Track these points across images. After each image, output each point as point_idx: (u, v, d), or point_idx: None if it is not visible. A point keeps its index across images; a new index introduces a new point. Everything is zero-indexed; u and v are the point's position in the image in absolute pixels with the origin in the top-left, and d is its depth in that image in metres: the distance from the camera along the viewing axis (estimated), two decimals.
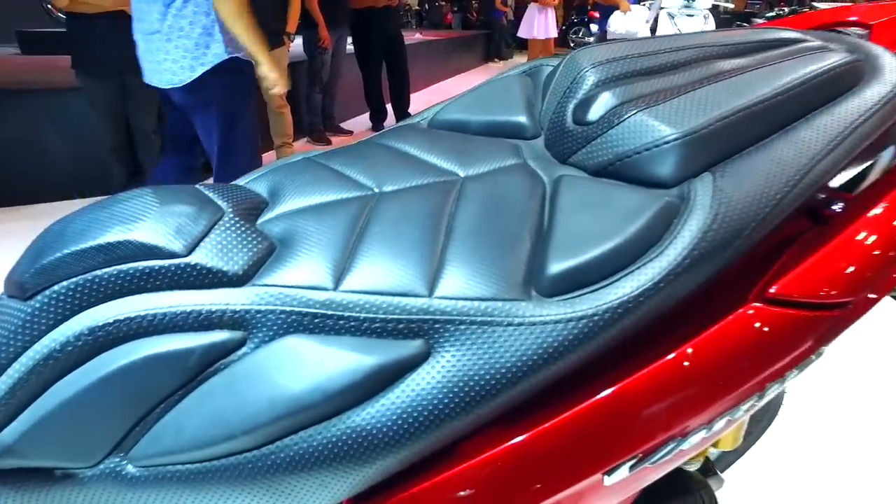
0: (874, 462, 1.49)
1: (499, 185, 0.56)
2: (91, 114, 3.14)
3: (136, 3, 1.83)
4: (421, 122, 0.72)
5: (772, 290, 0.51)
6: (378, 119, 5.15)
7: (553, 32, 6.52)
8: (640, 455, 0.50)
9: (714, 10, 6.43)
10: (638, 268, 0.46)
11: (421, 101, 6.47)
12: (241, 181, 0.60)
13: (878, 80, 0.58)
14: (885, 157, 0.68)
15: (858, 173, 0.67)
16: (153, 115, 3.25)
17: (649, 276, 0.45)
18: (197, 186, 0.55)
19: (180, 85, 1.82)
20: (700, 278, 0.47)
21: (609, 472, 0.50)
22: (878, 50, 0.62)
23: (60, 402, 0.43)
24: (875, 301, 0.57)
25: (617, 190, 0.52)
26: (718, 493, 0.95)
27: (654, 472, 0.55)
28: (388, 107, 5.19)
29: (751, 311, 0.50)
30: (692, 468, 0.94)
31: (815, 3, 6.93)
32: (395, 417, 0.43)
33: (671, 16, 5.67)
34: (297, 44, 4.67)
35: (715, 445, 0.97)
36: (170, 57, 1.79)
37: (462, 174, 0.59)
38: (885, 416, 1.66)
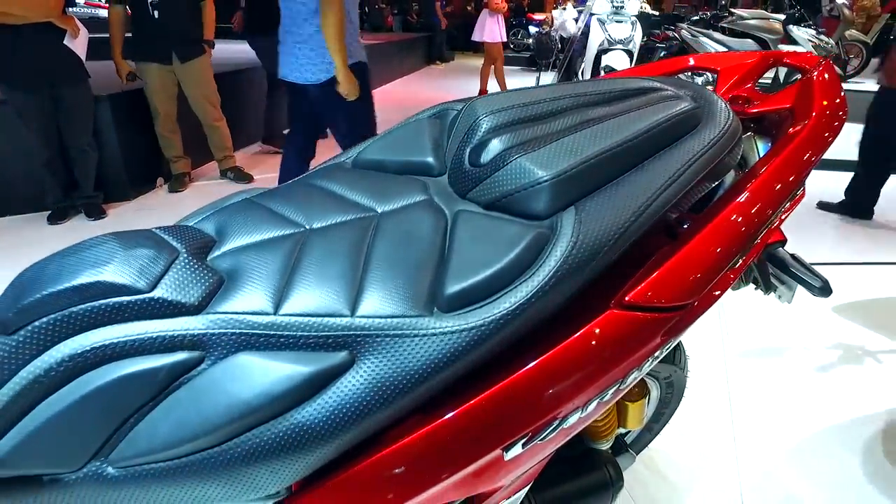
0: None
1: (409, 219, 0.68)
2: (21, 128, 3.05)
3: (287, 19, 2.50)
4: (346, 161, 0.83)
5: (627, 298, 0.65)
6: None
7: (504, 36, 7.00)
8: (530, 434, 0.63)
9: (642, 15, 6.80)
10: (515, 287, 0.58)
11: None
12: (190, 221, 0.70)
13: (712, 123, 0.74)
14: (727, 181, 0.84)
15: (708, 195, 0.82)
16: (88, 130, 3.20)
17: (523, 294, 0.57)
18: (153, 230, 0.64)
19: (318, 82, 2.51)
20: (566, 293, 0.60)
21: (507, 449, 0.63)
22: (714, 97, 0.78)
23: (46, 418, 0.52)
24: (715, 299, 0.72)
25: (501, 223, 0.64)
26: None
27: (544, 447, 0.68)
28: None
29: (611, 316, 0.64)
30: (603, 447, 1.08)
31: (734, 10, 7.40)
32: (328, 413, 0.54)
33: (601, 22, 5.93)
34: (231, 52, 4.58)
35: (622, 425, 1.12)
36: (311, 62, 2.49)
37: (379, 210, 0.71)
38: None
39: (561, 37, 7.91)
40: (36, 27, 2.86)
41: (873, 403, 1.84)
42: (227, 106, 3.83)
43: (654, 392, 1.28)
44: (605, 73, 5.81)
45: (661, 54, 8.28)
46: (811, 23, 6.26)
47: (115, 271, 0.55)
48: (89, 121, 3.22)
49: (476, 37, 6.97)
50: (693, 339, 1.36)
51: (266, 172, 4.14)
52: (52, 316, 0.53)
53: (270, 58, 4.29)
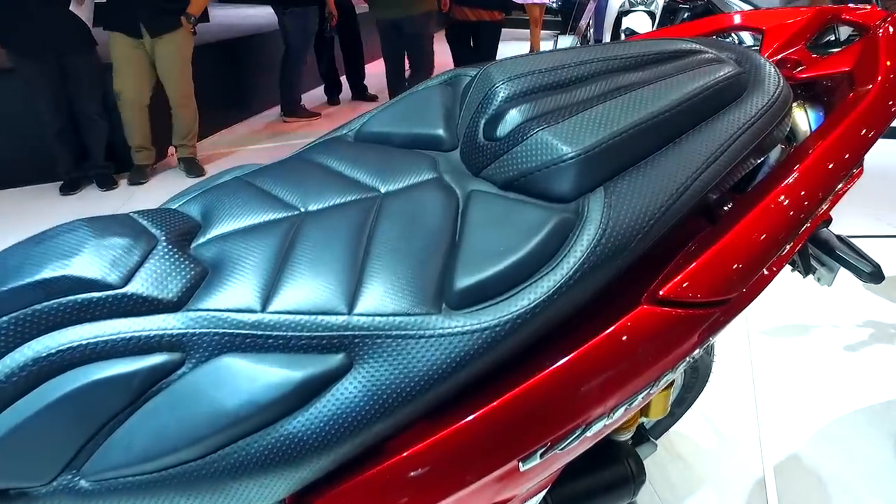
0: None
1: (416, 200, 0.61)
2: (30, 97, 3.01)
3: None
4: (348, 133, 0.76)
5: (661, 293, 0.57)
6: (333, 93, 5.12)
7: None
8: (549, 443, 0.57)
9: None
10: (535, 281, 0.51)
11: (378, 71, 6.36)
12: (175, 203, 0.63)
13: (759, 90, 0.65)
14: (773, 157, 0.75)
15: (751, 172, 0.74)
16: (97, 98, 3.16)
17: (544, 290, 0.50)
18: (131, 214, 0.57)
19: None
20: (592, 288, 0.53)
21: (524, 460, 0.57)
22: (760, 61, 0.68)
23: (10, 428, 0.47)
24: (758, 292, 0.64)
25: (519, 206, 0.57)
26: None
27: (564, 457, 0.61)
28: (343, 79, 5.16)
29: (642, 312, 0.56)
30: (623, 438, 1.02)
31: None
32: (323, 424, 0.48)
33: None
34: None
35: (645, 415, 1.05)
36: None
37: (382, 189, 0.64)
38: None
39: None
40: None
41: None
42: (242, 73, 3.71)
43: (679, 379, 1.21)
44: (625, 35, 5.60)
45: (685, 16, 7.94)
46: None
47: (84, 263, 0.49)
48: (98, 89, 3.17)
49: None
50: None
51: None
52: (13, 314, 0.48)
53: (298, 30, 4.17)
